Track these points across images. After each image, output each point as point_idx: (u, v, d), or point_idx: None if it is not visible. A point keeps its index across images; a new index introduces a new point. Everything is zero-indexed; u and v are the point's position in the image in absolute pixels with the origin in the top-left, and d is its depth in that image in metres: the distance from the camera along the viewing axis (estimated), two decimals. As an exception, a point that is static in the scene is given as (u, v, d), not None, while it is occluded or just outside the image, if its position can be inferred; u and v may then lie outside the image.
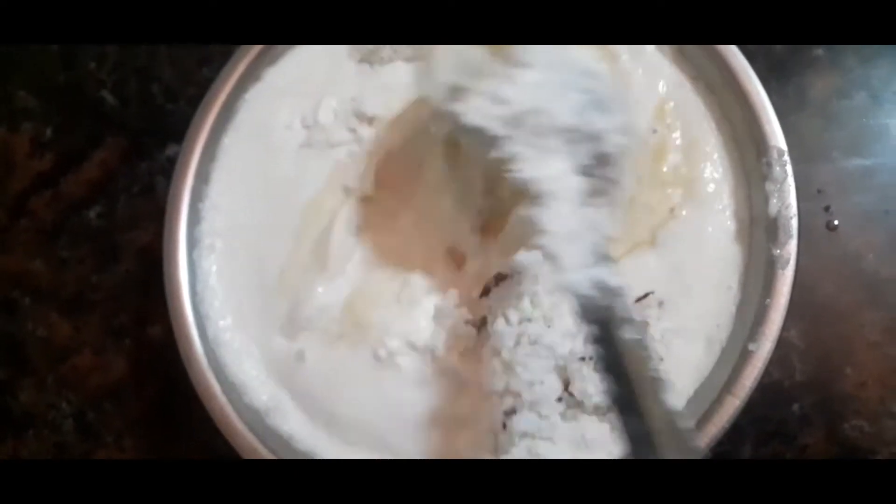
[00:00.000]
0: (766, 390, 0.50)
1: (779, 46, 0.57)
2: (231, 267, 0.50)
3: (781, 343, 0.45)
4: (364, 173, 0.50)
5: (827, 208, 0.54)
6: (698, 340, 0.46)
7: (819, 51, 0.57)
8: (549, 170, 0.37)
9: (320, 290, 0.48)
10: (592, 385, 0.41)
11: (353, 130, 0.51)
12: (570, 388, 0.42)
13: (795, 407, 0.52)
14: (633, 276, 0.46)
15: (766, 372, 0.44)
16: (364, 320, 0.47)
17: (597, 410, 0.42)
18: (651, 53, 0.51)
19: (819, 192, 0.54)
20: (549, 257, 0.36)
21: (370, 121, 0.51)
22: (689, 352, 0.46)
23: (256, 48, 0.52)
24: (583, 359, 0.41)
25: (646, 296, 0.46)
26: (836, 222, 0.54)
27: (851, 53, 0.57)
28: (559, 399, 0.42)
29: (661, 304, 0.46)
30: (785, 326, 0.45)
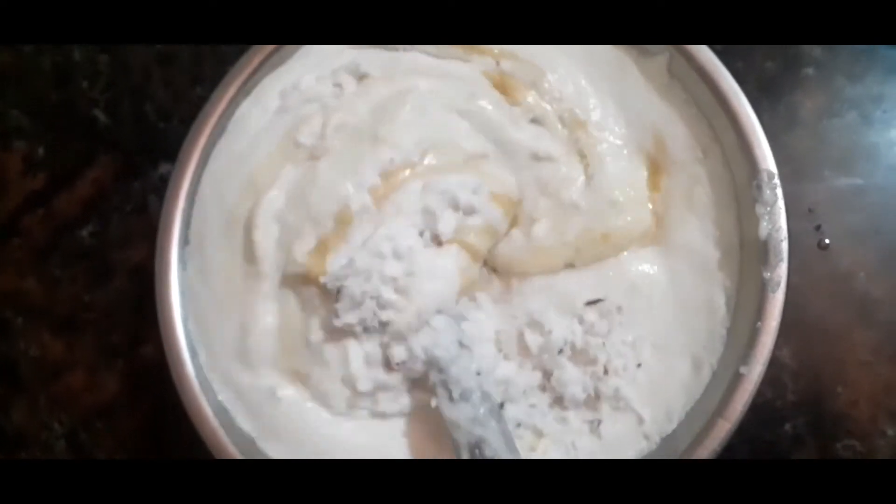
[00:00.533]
0: (759, 410, 0.50)
1: (770, 65, 0.58)
2: (221, 288, 0.50)
3: (773, 362, 0.45)
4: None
5: (818, 227, 0.54)
6: (684, 359, 0.46)
7: (809, 70, 0.57)
8: None
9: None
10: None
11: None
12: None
13: (787, 426, 0.52)
14: (603, 281, 0.48)
15: (759, 391, 0.44)
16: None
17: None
18: (643, 85, 0.51)
19: (810, 210, 0.55)
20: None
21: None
22: (673, 367, 0.46)
23: (248, 69, 0.52)
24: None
25: (596, 301, 0.47)
26: (827, 241, 0.54)
27: (841, 73, 0.57)
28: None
29: (619, 309, 0.47)
30: (777, 345, 0.45)
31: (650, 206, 0.49)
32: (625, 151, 0.49)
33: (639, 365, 0.46)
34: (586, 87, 0.50)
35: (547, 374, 0.47)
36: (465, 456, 0.43)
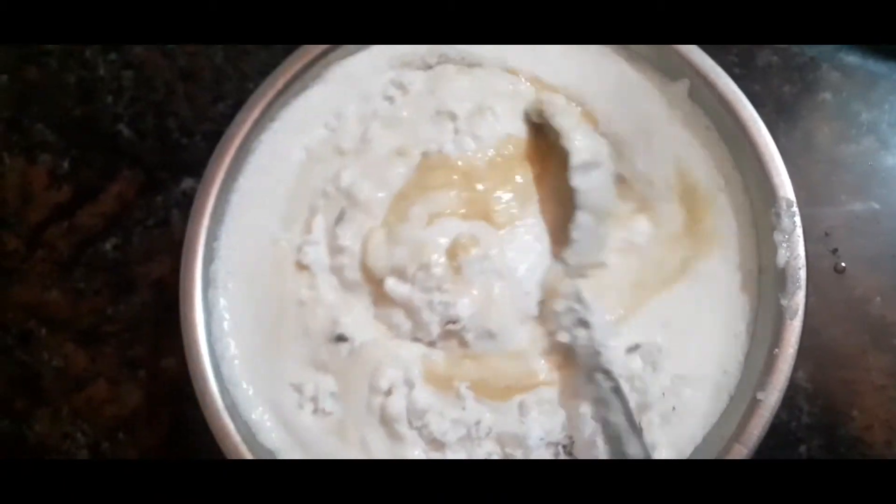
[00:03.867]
0: (773, 432, 0.50)
1: (787, 89, 0.58)
2: (245, 310, 0.51)
3: (789, 385, 0.46)
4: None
5: (834, 251, 0.55)
6: (706, 387, 0.47)
7: (826, 95, 0.58)
8: None
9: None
10: None
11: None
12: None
13: (802, 449, 0.52)
14: (644, 324, 0.47)
15: (774, 414, 0.45)
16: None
17: None
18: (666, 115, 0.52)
19: (826, 234, 0.55)
20: None
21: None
22: (697, 397, 0.47)
23: (273, 89, 0.53)
24: None
25: (637, 347, 0.48)
26: (843, 265, 0.55)
27: (858, 99, 0.57)
28: None
29: (660, 350, 0.47)
30: (792, 368, 0.45)
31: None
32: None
33: (673, 408, 0.47)
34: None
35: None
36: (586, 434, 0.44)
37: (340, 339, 0.49)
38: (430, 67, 0.54)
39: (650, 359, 0.47)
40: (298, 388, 0.49)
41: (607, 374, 0.44)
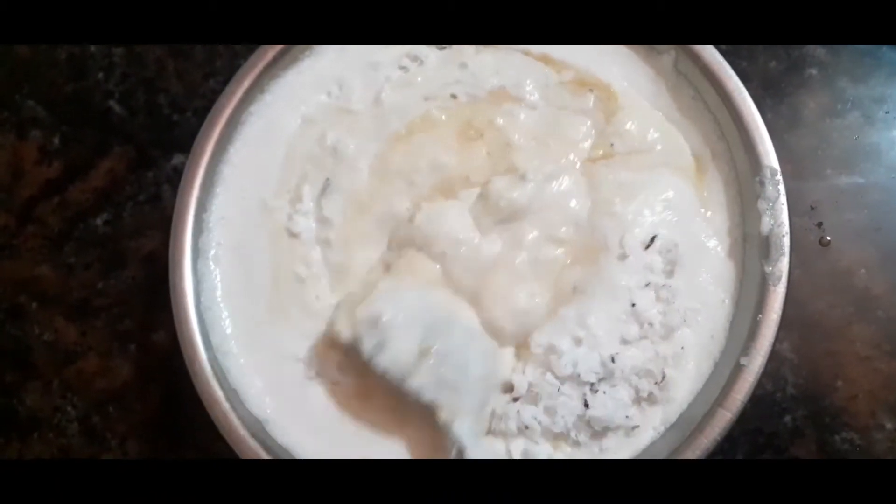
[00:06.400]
0: (759, 402, 0.52)
1: (774, 66, 0.59)
2: (236, 279, 0.51)
3: (774, 356, 0.46)
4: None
5: (819, 224, 0.55)
6: (689, 350, 0.47)
7: (813, 71, 0.58)
8: None
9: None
10: None
11: None
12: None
13: (787, 419, 0.53)
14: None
15: (759, 384, 0.45)
16: None
17: None
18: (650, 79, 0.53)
19: (812, 208, 0.56)
20: None
21: None
22: (682, 361, 0.47)
23: (262, 62, 0.53)
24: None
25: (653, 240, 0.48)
26: (828, 238, 0.55)
27: (844, 74, 0.58)
28: None
29: (676, 245, 0.48)
30: (777, 339, 0.46)
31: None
32: None
33: (682, 348, 0.47)
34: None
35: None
36: None
37: None
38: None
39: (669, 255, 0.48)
40: (296, 358, 0.49)
41: None
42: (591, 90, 0.52)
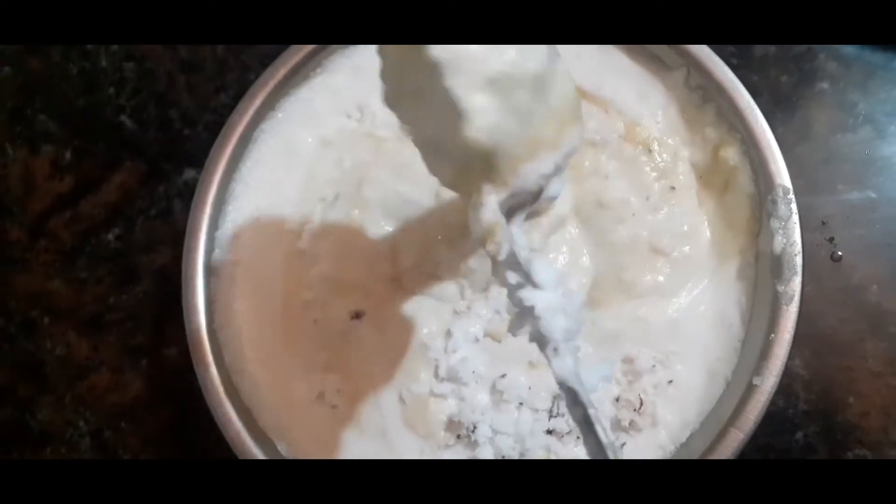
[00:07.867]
0: (771, 418, 0.51)
1: (785, 79, 0.58)
2: (248, 297, 0.51)
3: (786, 372, 0.46)
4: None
5: (831, 239, 0.55)
6: (699, 370, 0.47)
7: (824, 84, 0.58)
8: None
9: None
10: None
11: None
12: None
13: (799, 435, 0.53)
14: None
15: (771, 400, 0.45)
16: None
17: None
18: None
19: (823, 223, 0.55)
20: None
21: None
22: (692, 381, 0.47)
23: (273, 80, 0.53)
24: None
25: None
26: (839, 253, 0.55)
27: (855, 88, 0.58)
28: None
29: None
30: (789, 355, 0.46)
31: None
32: None
33: (670, 382, 0.47)
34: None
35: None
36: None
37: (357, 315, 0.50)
38: None
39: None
40: (309, 379, 0.49)
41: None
42: None
